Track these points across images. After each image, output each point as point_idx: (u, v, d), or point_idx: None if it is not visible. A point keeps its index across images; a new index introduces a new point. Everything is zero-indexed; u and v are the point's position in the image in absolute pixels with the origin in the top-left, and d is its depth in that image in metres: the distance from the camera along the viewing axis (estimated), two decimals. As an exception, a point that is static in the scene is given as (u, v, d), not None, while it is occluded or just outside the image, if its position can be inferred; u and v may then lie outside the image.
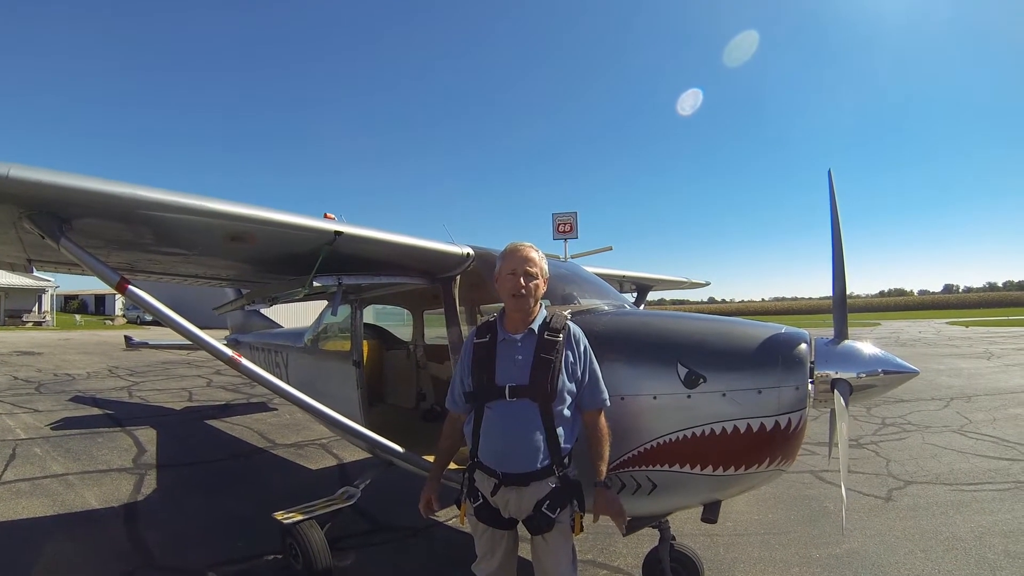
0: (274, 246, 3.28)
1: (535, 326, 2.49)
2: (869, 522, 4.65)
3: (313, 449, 7.18)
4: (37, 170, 2.24)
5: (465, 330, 3.74)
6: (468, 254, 3.70)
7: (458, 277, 3.84)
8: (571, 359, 2.47)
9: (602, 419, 2.53)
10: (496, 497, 2.43)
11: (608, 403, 2.55)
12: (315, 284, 3.30)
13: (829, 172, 2.88)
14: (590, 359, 2.54)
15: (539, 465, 2.36)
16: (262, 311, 8.40)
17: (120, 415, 9.16)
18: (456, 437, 2.67)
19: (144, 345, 10.41)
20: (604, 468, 2.50)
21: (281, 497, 5.02)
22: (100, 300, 64.65)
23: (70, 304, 62.74)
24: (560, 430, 2.39)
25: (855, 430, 7.58)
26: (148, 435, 7.78)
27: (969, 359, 16.31)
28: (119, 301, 55.83)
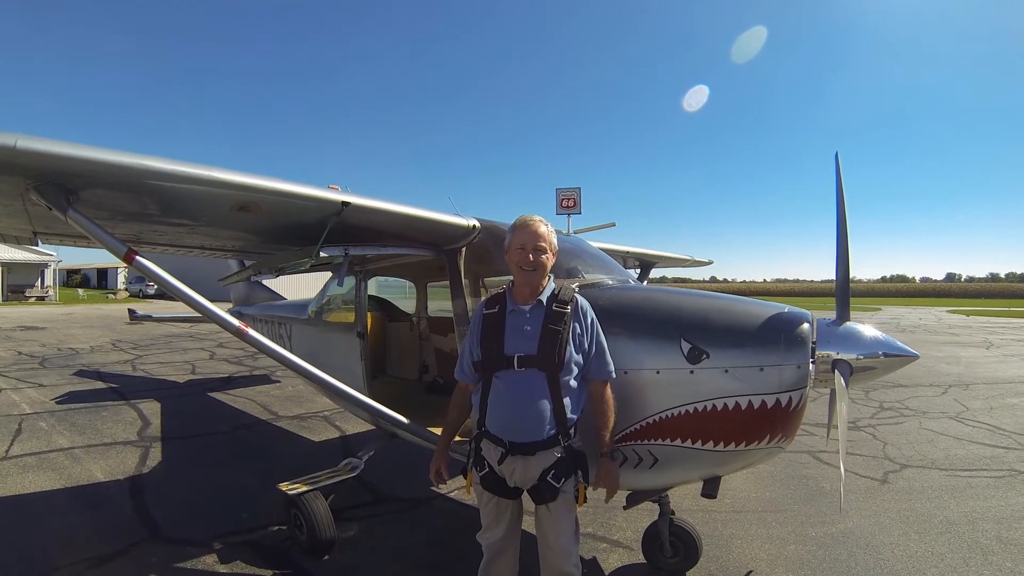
0: (281, 216, 3.28)
1: (543, 298, 2.52)
2: (865, 503, 4.72)
3: (316, 421, 7.27)
4: (45, 141, 2.24)
5: (470, 302, 3.76)
6: (474, 226, 3.70)
7: (463, 249, 3.84)
8: (578, 331, 2.50)
9: (608, 391, 2.57)
10: (503, 466, 2.47)
11: (614, 375, 2.59)
12: (322, 255, 3.30)
13: (836, 156, 2.86)
14: (597, 331, 2.57)
15: (546, 435, 2.40)
16: (265, 283, 8.42)
17: (124, 388, 9.24)
18: (464, 407, 2.71)
19: (148, 318, 10.45)
20: (609, 438, 2.55)
21: (284, 469, 5.08)
22: (102, 274, 64.86)
23: (72, 278, 62.98)
24: (567, 400, 2.43)
25: (853, 413, 7.62)
26: (152, 408, 7.87)
27: (969, 348, 16.33)
28: (121, 275, 55.97)
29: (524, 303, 2.53)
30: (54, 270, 43.61)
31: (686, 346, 2.70)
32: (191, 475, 5.29)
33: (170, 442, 6.31)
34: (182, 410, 7.88)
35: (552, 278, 2.63)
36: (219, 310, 2.98)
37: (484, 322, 2.56)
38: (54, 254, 41.96)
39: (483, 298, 3.69)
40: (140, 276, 47.04)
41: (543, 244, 2.52)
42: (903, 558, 3.81)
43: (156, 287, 46.13)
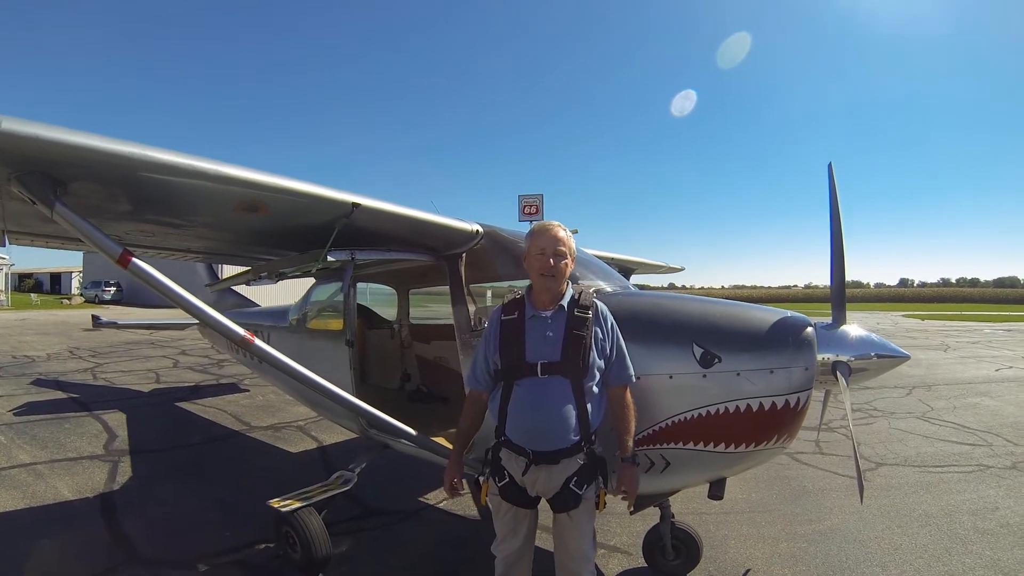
0: (286, 217, 3.15)
1: (564, 303, 2.50)
2: (846, 500, 4.84)
3: (291, 432, 7.06)
4: (35, 124, 2.01)
5: (471, 309, 3.69)
6: (477, 231, 3.64)
7: (464, 255, 3.78)
8: (600, 336, 2.49)
9: (628, 395, 2.56)
10: (527, 476, 2.42)
11: (634, 379, 2.58)
12: (329, 259, 3.20)
13: (829, 166, 2.95)
14: (617, 336, 2.57)
15: (571, 442, 2.37)
16: (235, 289, 8.12)
17: (86, 399, 8.81)
18: (478, 416, 2.65)
19: (113, 324, 10.00)
20: (631, 443, 2.53)
21: (264, 482, 4.92)
22: (56, 278, 62.18)
23: (24, 283, 60.12)
24: (590, 406, 2.41)
25: (825, 415, 7.83)
26: (117, 419, 7.51)
27: (927, 351, 16.95)
28: (76, 279, 53.55)
29: (544, 309, 2.50)
30: (6, 274, 41.37)
31: (698, 351, 2.73)
32: (166, 491, 5.02)
33: (139, 456, 6.00)
34: (150, 421, 7.55)
35: (570, 284, 2.61)
36: (224, 318, 2.81)
37: (502, 329, 2.51)
38: (7, 257, 39.89)
39: (469, 305, 3.64)
40: (96, 281, 45.38)
41: (563, 249, 2.50)
42: (889, 550, 3.94)
43: (112, 292, 44.39)
